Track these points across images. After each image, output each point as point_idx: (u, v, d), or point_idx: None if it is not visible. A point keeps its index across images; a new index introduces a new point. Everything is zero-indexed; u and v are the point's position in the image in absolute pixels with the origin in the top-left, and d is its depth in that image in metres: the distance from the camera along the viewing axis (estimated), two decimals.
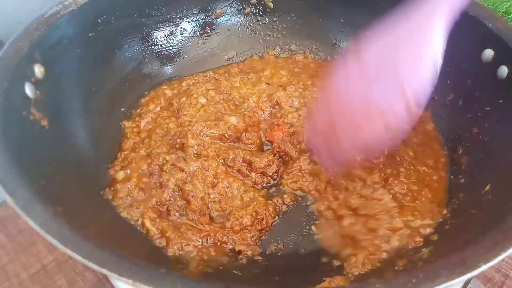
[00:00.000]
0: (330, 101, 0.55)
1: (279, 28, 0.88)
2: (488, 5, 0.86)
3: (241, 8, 0.86)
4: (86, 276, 0.63)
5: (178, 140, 0.65)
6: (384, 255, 0.51)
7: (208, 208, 0.59)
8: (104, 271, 0.32)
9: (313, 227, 0.59)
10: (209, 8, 0.84)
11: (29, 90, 0.52)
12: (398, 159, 0.62)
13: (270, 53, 0.87)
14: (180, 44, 0.83)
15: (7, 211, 0.69)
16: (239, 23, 0.87)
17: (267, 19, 0.88)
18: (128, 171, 0.62)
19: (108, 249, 0.35)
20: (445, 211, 0.55)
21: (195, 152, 0.64)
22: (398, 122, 0.49)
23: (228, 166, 0.64)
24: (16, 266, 0.64)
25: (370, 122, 0.50)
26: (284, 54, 0.87)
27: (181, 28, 0.83)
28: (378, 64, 0.50)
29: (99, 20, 0.68)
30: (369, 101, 0.50)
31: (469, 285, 0.58)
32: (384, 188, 0.59)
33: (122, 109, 0.73)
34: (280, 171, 0.65)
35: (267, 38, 0.88)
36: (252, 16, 0.87)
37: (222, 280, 0.51)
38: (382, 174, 0.60)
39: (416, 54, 0.48)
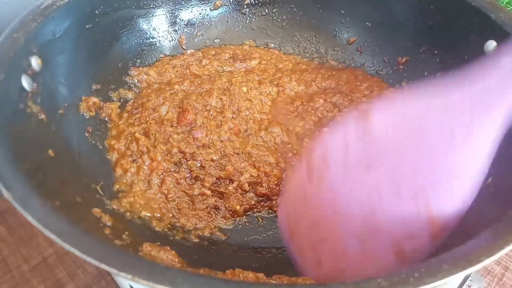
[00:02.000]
0: (314, 181, 0.37)
1: (278, 20, 0.87)
2: None
3: None
4: (86, 269, 0.63)
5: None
6: None
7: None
8: (103, 266, 0.32)
9: None
10: None
11: (26, 82, 0.51)
12: None
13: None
14: (178, 36, 0.82)
15: (7, 203, 0.69)
16: (238, 15, 0.86)
17: (266, 10, 0.86)
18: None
19: (107, 244, 0.35)
20: None
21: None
22: (414, 247, 0.33)
23: None
24: (17, 258, 0.64)
25: (371, 237, 0.34)
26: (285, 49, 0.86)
27: (179, 19, 0.82)
28: (395, 139, 0.33)
29: (96, 12, 0.67)
30: (372, 199, 0.34)
31: (470, 278, 0.58)
32: None
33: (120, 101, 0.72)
34: None
35: (266, 30, 0.87)
36: (252, 8, 0.86)
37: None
38: None
39: (458, 148, 0.31)
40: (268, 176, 0.62)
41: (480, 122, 0.32)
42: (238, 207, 0.59)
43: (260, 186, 0.61)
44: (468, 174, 0.33)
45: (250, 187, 0.61)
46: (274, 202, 0.61)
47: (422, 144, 0.33)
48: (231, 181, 0.61)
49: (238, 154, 0.64)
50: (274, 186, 0.61)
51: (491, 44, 0.58)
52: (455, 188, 0.33)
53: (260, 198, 0.61)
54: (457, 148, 0.32)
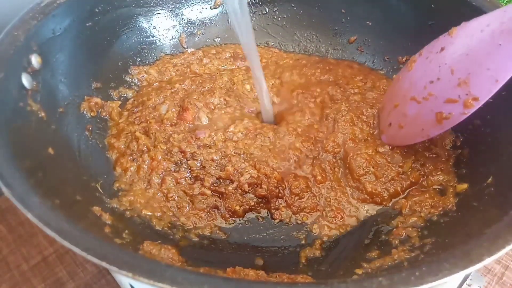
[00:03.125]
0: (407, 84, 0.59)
1: (279, 19, 0.87)
2: None
3: None
4: (86, 268, 0.63)
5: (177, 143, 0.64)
6: None
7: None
8: (104, 264, 0.32)
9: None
10: None
11: (26, 80, 0.51)
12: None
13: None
14: (178, 35, 0.82)
15: (7, 202, 0.69)
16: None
17: (267, 9, 0.86)
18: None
19: (107, 241, 0.35)
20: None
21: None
22: (451, 111, 0.51)
23: None
24: (17, 257, 0.64)
25: (428, 110, 0.54)
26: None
27: (179, 18, 0.82)
28: (461, 40, 0.52)
29: (97, 10, 0.67)
30: (436, 88, 0.53)
31: (470, 277, 0.58)
32: None
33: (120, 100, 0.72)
34: None
35: (267, 29, 0.87)
36: (252, 6, 0.86)
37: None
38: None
39: (498, 54, 0.46)
40: (268, 178, 0.61)
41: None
42: (237, 207, 0.59)
43: (260, 188, 0.61)
44: (498, 70, 0.47)
45: (250, 188, 0.61)
46: (272, 204, 0.60)
47: (474, 48, 0.50)
48: (231, 181, 0.61)
49: (238, 154, 0.63)
50: (273, 188, 0.60)
51: None
52: (488, 77, 0.47)
53: (260, 200, 0.61)
54: (497, 51, 0.47)
